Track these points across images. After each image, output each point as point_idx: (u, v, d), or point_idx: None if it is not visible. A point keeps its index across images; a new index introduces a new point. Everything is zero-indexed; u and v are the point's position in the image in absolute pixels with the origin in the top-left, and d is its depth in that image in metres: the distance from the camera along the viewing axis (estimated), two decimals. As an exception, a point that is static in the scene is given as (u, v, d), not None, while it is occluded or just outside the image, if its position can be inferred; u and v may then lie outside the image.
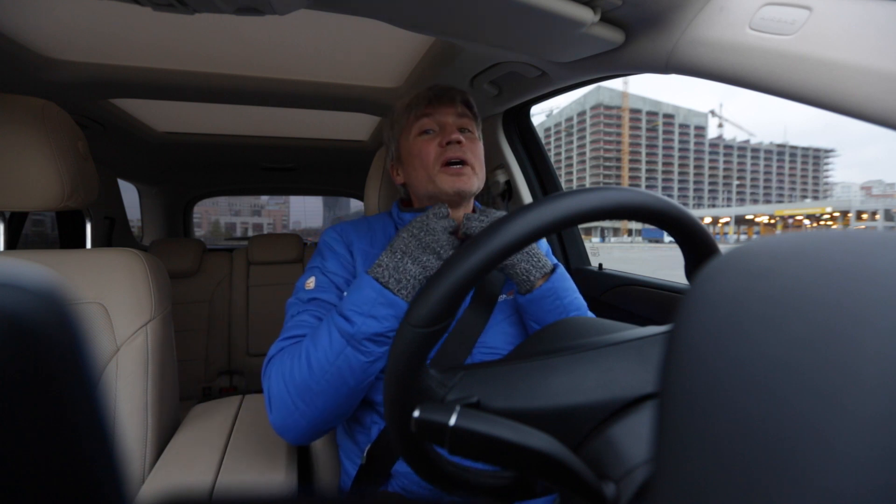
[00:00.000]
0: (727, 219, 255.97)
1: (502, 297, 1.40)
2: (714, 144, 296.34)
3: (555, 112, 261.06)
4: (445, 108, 1.38)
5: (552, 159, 2.53)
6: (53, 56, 1.70)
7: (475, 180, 1.35)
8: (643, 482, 0.56)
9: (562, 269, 1.34)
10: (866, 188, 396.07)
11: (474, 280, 0.59)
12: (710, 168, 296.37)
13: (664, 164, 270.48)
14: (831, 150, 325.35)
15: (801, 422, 0.24)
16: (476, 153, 1.37)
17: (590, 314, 1.38)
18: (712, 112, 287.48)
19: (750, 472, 0.25)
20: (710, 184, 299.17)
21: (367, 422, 1.33)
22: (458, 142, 1.32)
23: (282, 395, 1.11)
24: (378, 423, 1.31)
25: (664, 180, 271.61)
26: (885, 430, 0.22)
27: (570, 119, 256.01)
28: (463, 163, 1.33)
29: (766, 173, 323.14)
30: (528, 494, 0.73)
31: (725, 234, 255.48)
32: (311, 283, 1.34)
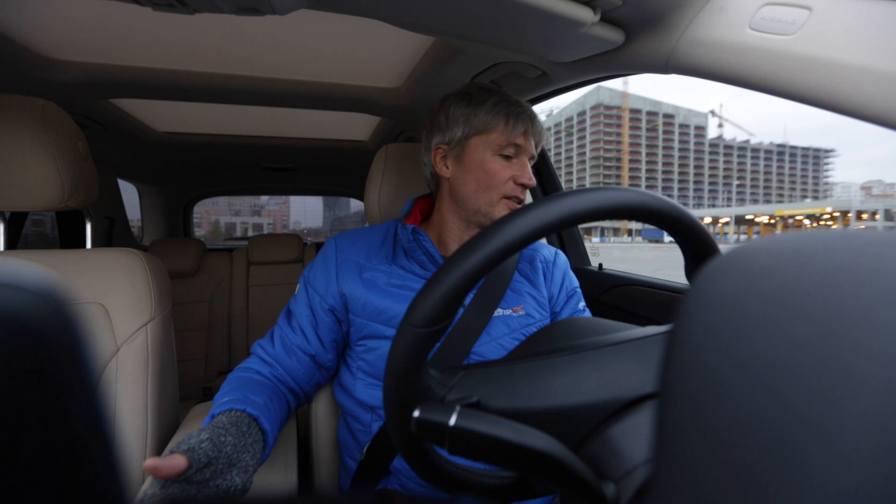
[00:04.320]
0: (727, 219, 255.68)
1: (508, 311, 1.41)
2: (714, 144, 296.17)
3: (555, 112, 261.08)
4: (529, 143, 1.37)
5: (552, 159, 2.53)
6: (53, 56, 1.70)
7: None
8: (643, 482, 0.56)
9: None
10: (866, 188, 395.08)
11: (474, 280, 0.59)
12: (710, 168, 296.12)
13: (664, 164, 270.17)
14: (831, 150, 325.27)
15: (801, 421, 0.24)
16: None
17: None
18: (712, 112, 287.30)
19: (750, 471, 0.25)
20: (710, 184, 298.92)
21: (368, 419, 1.34)
22: (529, 186, 1.35)
23: None
24: (378, 421, 1.33)
25: (664, 180, 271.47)
26: (885, 429, 0.22)
27: (570, 119, 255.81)
28: (521, 201, 1.36)
29: (766, 173, 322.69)
30: (528, 494, 0.73)
31: (725, 234, 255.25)
32: (297, 289, 1.46)
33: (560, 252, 1.62)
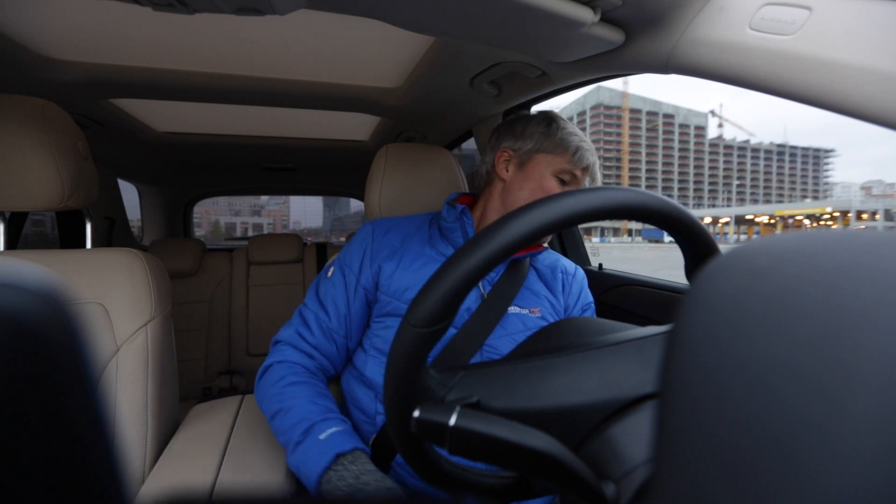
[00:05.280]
0: (727, 219, 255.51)
1: (526, 311, 1.44)
2: (714, 144, 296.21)
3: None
4: (584, 178, 1.47)
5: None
6: (53, 56, 1.69)
7: None
8: (643, 482, 0.56)
9: None
10: (866, 188, 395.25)
11: (474, 280, 0.59)
12: (710, 168, 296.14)
13: (664, 164, 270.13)
14: (831, 150, 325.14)
15: (801, 421, 0.24)
16: None
17: None
18: (712, 112, 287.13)
19: (750, 471, 0.25)
20: (710, 184, 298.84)
21: (372, 410, 1.35)
22: None
23: (260, 403, 1.36)
24: (382, 414, 1.33)
25: (664, 180, 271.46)
26: (886, 429, 0.22)
27: (570, 119, 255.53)
28: None
29: (766, 173, 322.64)
30: (528, 494, 0.73)
31: (725, 234, 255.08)
32: (330, 272, 1.48)
33: (580, 268, 1.66)
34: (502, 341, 1.38)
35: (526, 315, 1.44)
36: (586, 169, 1.45)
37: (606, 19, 1.14)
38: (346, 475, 1.10)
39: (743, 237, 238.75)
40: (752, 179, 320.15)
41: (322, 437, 1.17)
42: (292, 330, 1.44)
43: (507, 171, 1.50)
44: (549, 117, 1.51)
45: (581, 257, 2.65)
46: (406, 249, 1.45)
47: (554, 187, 1.42)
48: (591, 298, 1.61)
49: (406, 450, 0.68)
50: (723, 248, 0.53)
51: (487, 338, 1.36)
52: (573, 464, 0.56)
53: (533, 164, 1.46)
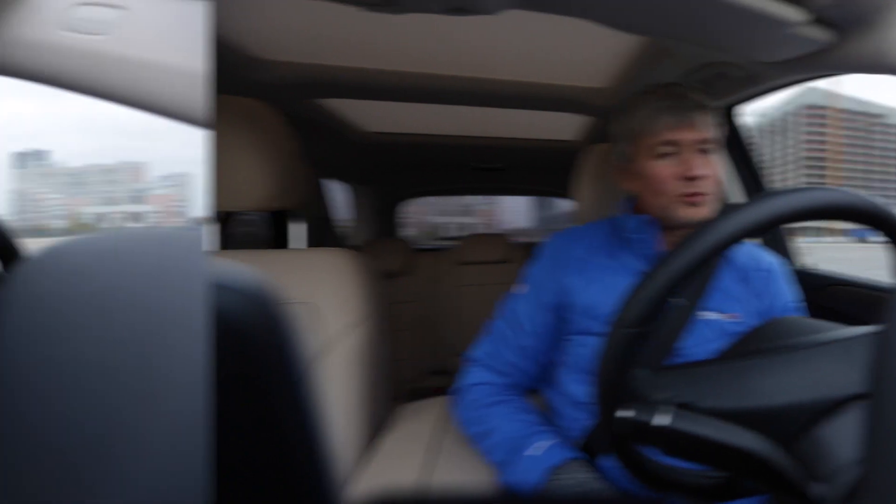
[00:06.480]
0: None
1: (722, 315, 1.33)
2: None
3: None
4: (686, 133, 1.22)
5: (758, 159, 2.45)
6: (262, 56, 1.75)
7: (714, 204, 1.27)
8: (854, 482, 0.56)
9: None
10: None
11: (682, 281, 0.62)
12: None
13: (866, 164, 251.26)
14: None
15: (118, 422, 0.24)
16: (715, 174, 1.28)
17: None
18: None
19: None
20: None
21: (572, 419, 1.33)
22: (699, 177, 1.23)
23: (462, 426, 1.37)
24: (582, 420, 1.29)
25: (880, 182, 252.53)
26: (189, 424, 0.23)
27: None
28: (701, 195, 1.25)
29: None
30: (737, 494, 0.75)
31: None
32: (520, 288, 1.43)
33: (782, 262, 1.50)
34: (696, 350, 1.26)
35: (723, 321, 1.31)
36: (677, 125, 1.21)
37: (816, 19, 1.11)
38: (571, 484, 1.10)
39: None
40: None
41: (533, 453, 1.16)
42: (485, 347, 1.43)
43: (629, 184, 1.35)
44: (625, 106, 1.34)
45: (788, 257, 2.52)
46: (590, 262, 1.37)
47: (661, 170, 1.23)
48: (794, 296, 1.45)
49: (616, 450, 0.70)
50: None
51: (675, 344, 1.24)
52: (783, 464, 0.57)
53: (634, 163, 1.29)
